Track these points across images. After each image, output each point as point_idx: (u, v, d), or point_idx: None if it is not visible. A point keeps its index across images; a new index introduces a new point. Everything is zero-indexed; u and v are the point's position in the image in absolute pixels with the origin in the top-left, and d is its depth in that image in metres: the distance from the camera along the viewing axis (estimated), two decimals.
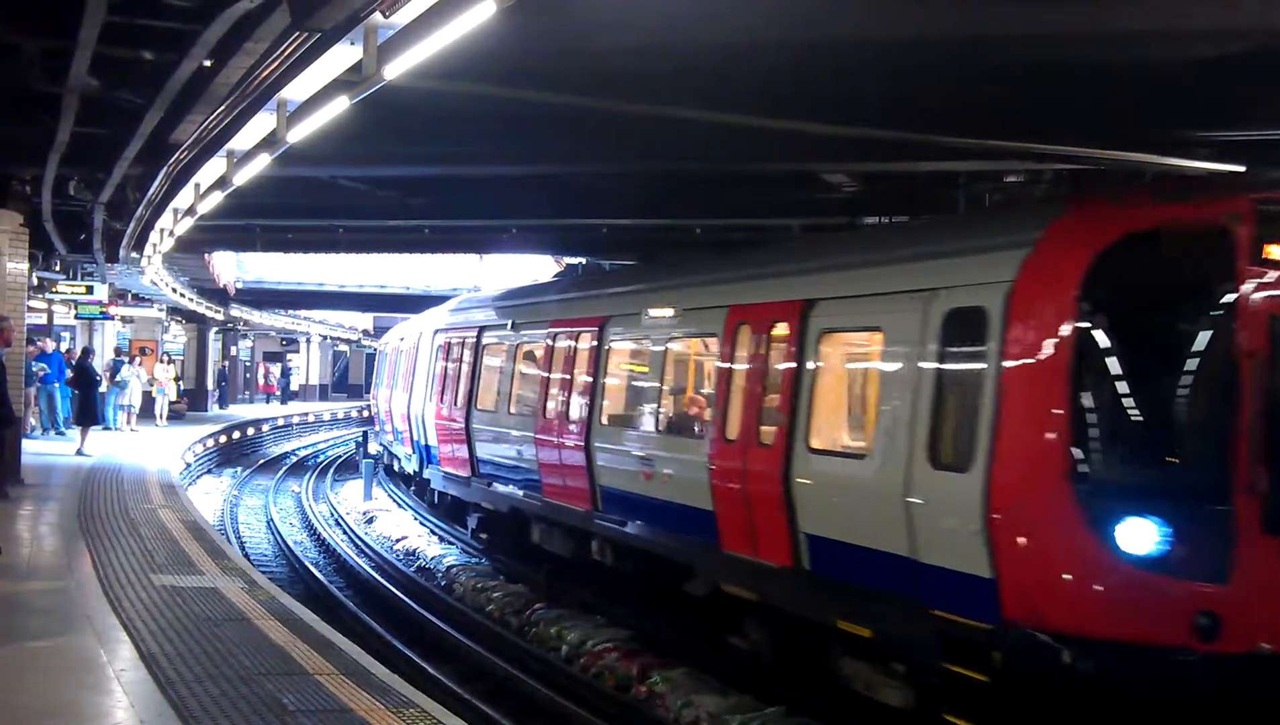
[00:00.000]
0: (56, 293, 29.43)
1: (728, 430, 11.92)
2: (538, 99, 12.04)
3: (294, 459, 39.91)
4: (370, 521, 24.67)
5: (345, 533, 23.22)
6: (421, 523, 24.05)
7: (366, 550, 21.00)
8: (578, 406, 15.28)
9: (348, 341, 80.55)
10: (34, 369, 26.75)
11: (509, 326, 18.38)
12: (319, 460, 39.40)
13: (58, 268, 26.79)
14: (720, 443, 11.97)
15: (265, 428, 46.67)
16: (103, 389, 30.41)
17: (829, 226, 19.97)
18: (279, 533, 23.03)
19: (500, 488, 17.91)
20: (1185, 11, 10.04)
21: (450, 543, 21.47)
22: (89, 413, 26.45)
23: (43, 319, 33.72)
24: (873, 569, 9.86)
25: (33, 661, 8.81)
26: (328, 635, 9.91)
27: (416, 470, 24.00)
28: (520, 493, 17.03)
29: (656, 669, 12.22)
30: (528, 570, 17.51)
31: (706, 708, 11.04)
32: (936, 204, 16.73)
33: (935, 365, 9.43)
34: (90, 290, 29.42)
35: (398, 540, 22.03)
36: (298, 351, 74.79)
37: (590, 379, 15.05)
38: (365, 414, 56.35)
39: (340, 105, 10.08)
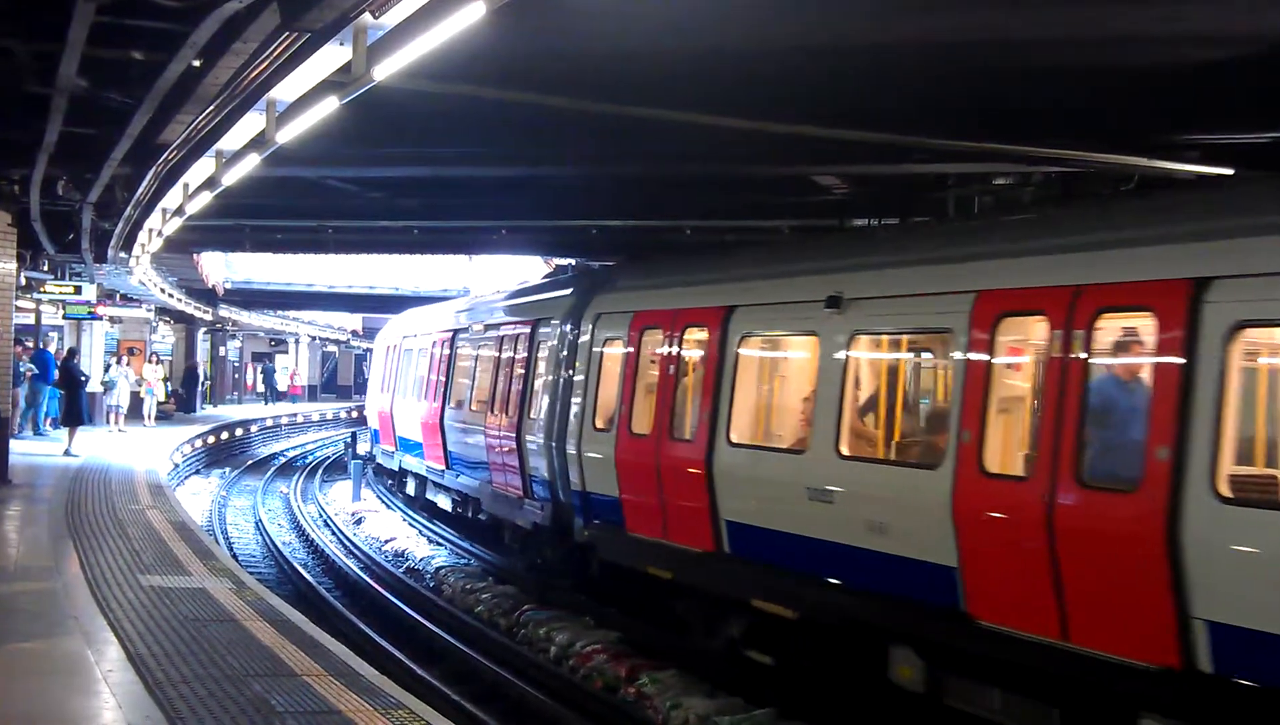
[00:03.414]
0: (44, 293, 29.37)
1: None
2: (528, 100, 12.04)
3: (282, 460, 39.84)
4: (359, 522, 24.63)
5: (334, 534, 23.17)
6: (410, 524, 23.98)
7: (355, 551, 20.96)
8: (1140, 452, 7.84)
9: (337, 342, 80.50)
10: (22, 370, 26.71)
11: (837, 309, 10.42)
12: (307, 461, 39.34)
13: (46, 268, 26.74)
14: None
15: (254, 428, 46.57)
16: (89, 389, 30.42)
17: (820, 229, 20.02)
18: (267, 533, 22.98)
19: (797, 586, 10.79)
20: (1174, 15, 10.06)
21: (439, 544, 21.42)
22: (75, 413, 26.38)
23: (30, 319, 33.65)
24: None
25: (19, 663, 8.79)
26: (316, 636, 9.90)
27: (541, 524, 15.89)
28: (870, 599, 9.99)
29: (645, 670, 12.22)
30: None
31: (695, 709, 11.04)
32: (926, 206, 16.75)
33: None
34: (78, 290, 29.37)
35: (386, 541, 22.00)
36: (286, 352, 74.71)
37: (1174, 400, 7.61)
38: (354, 415, 56.35)
39: (329, 106, 10.07)
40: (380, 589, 17.43)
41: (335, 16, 7.89)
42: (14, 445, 21.27)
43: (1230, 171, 12.11)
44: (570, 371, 15.14)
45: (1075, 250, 8.72)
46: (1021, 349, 9.17)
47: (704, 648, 12.48)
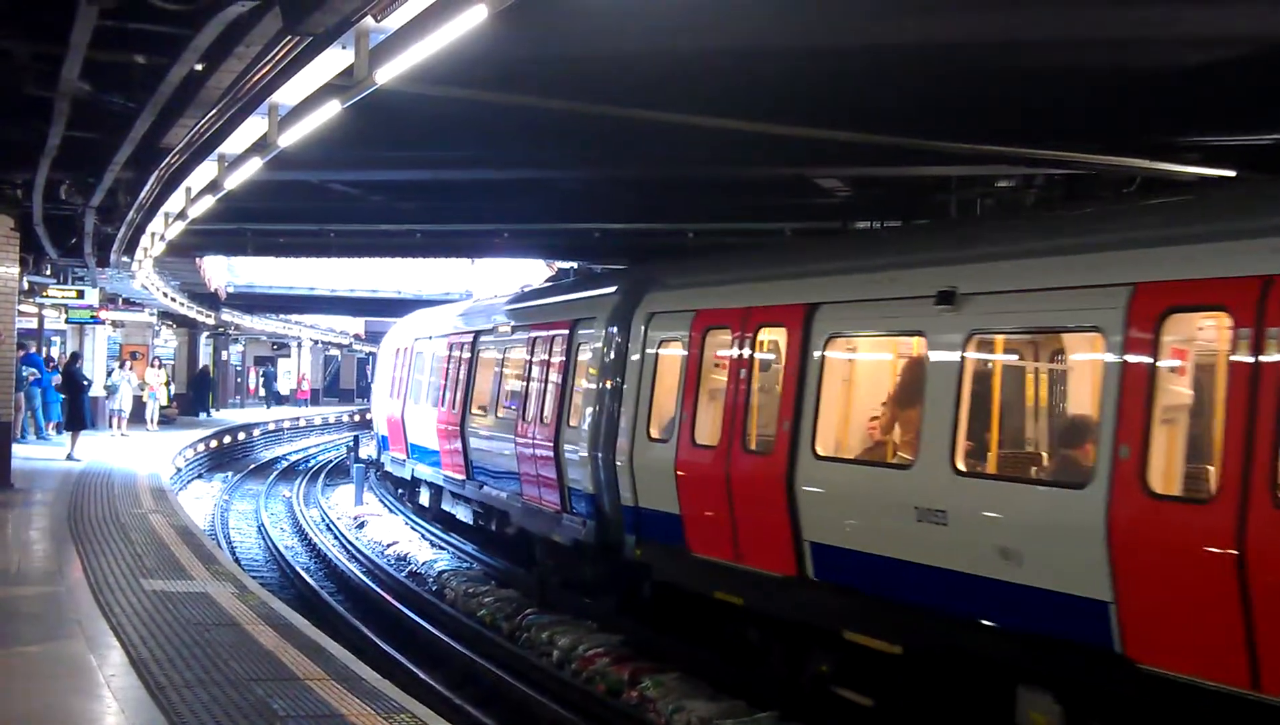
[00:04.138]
0: (47, 297, 29.43)
1: None
2: (529, 104, 12.05)
3: (285, 464, 39.87)
4: (361, 526, 24.63)
5: (336, 538, 23.18)
6: (412, 528, 23.97)
7: (358, 555, 20.96)
8: None
9: (339, 346, 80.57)
10: (24, 374, 26.74)
11: (950, 305, 9.26)
12: (310, 465, 39.36)
13: (48, 272, 26.79)
14: None
15: (256, 433, 46.61)
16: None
17: (822, 231, 20.04)
18: (270, 538, 22.98)
19: (901, 618, 9.71)
20: (1176, 18, 10.07)
21: (442, 548, 21.42)
22: (77, 417, 26.41)
23: (34, 323, 33.71)
24: None
25: (22, 667, 8.79)
26: (318, 640, 9.90)
27: (582, 541, 14.57)
28: (995, 635, 8.86)
29: (648, 674, 12.21)
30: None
31: (698, 713, 11.03)
32: (928, 209, 16.77)
33: None
34: (81, 294, 29.43)
35: (389, 545, 22.00)
36: (289, 356, 74.83)
37: None
38: (357, 419, 56.37)
39: (332, 109, 10.08)
40: (382, 593, 17.43)
41: (337, 20, 7.90)
42: (16, 449, 21.28)
43: (1232, 173, 12.12)
44: (618, 376, 13.94)
45: (1263, 235, 7.39)
46: (1195, 351, 7.95)
47: (790, 685, 11.21)
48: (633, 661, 12.77)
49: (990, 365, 9.43)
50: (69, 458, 24.76)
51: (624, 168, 16.89)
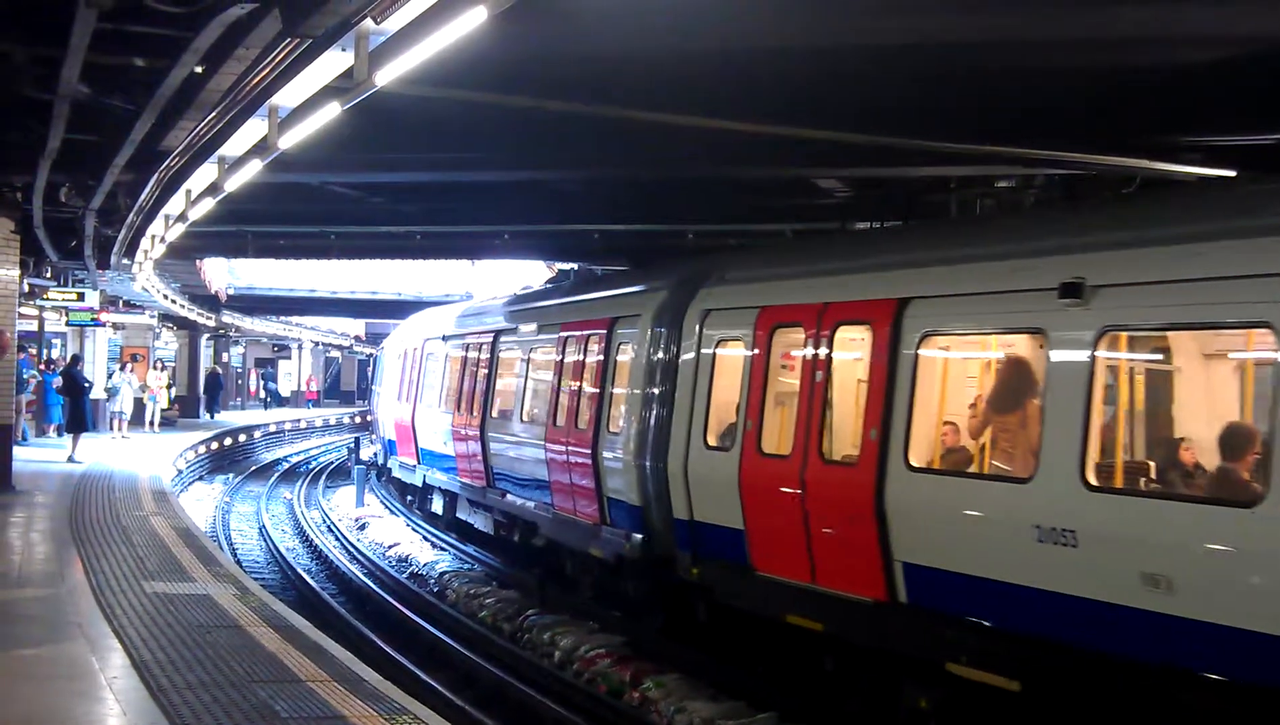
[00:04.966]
0: (48, 300, 29.46)
1: None
2: (530, 105, 12.05)
3: (286, 466, 39.87)
4: (362, 528, 24.63)
5: (337, 539, 23.17)
6: (413, 530, 23.96)
7: (359, 557, 20.96)
8: None
9: (340, 347, 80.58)
10: (25, 376, 26.77)
11: (1077, 299, 8.35)
12: (311, 467, 39.35)
13: (49, 274, 26.84)
14: None
15: (257, 434, 46.63)
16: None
17: (821, 232, 20.02)
18: (271, 539, 22.98)
19: (1022, 650, 8.74)
20: (1176, 17, 10.06)
21: (443, 549, 21.43)
22: (78, 420, 26.43)
23: (34, 326, 33.71)
24: None
25: (24, 669, 8.80)
26: (320, 642, 9.91)
27: (626, 557, 13.59)
28: (1140, 671, 7.98)
29: (649, 675, 12.22)
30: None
31: (699, 714, 11.04)
32: (928, 209, 16.76)
33: None
34: (81, 297, 29.45)
35: (390, 547, 22.00)
36: (289, 357, 74.80)
37: None
38: (357, 420, 56.35)
39: (331, 111, 10.08)
40: (384, 594, 17.43)
41: (336, 22, 7.91)
42: (17, 452, 21.30)
43: (1232, 173, 12.11)
44: (668, 378, 12.97)
45: None
46: None
47: (883, 719, 10.16)
48: (634, 662, 12.78)
49: (1128, 367, 8.46)
50: (70, 460, 24.78)
51: (624, 169, 16.88)
